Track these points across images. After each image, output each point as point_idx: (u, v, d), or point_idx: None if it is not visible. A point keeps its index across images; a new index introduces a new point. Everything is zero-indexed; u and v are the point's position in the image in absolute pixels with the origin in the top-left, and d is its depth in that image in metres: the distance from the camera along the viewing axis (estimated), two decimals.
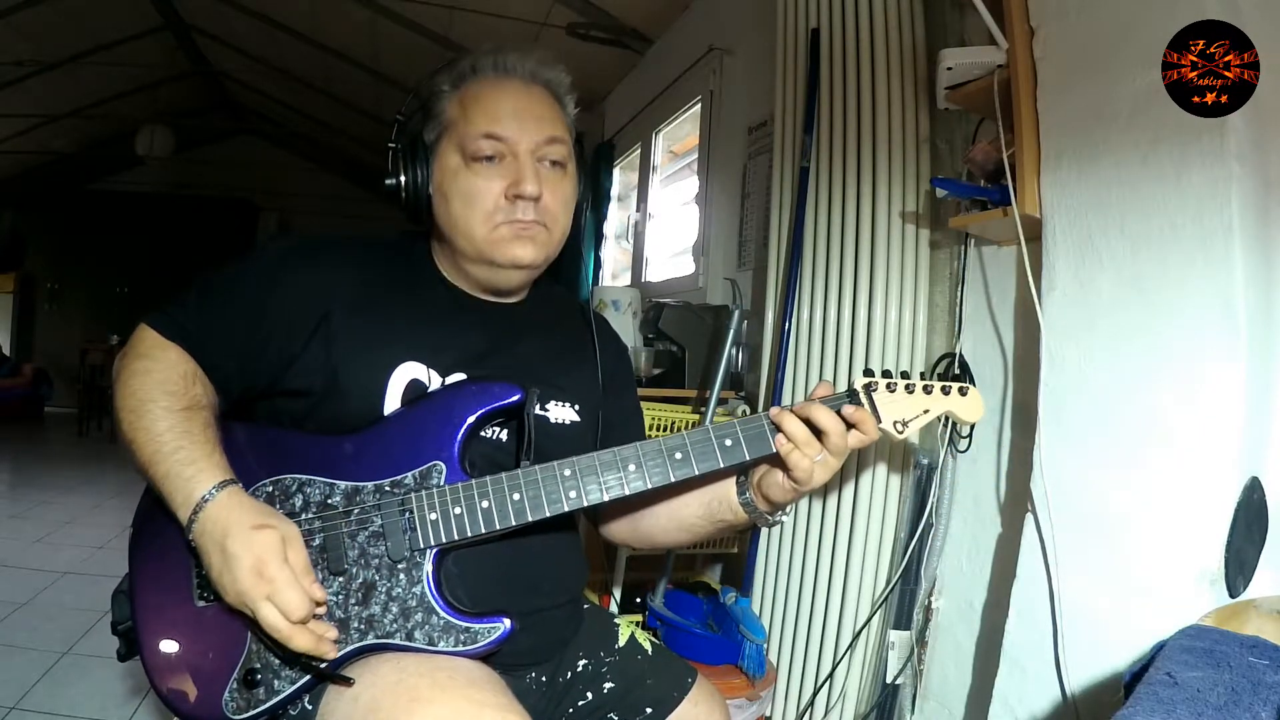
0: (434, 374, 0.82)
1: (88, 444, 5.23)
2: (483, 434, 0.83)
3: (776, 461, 0.80)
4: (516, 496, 0.76)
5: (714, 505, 0.88)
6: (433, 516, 0.75)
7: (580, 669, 0.91)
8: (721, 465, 0.79)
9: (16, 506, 3.35)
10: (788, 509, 0.87)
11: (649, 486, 0.78)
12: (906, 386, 0.84)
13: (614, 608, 1.66)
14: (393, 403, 0.80)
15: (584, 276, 3.45)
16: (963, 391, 0.86)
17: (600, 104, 3.80)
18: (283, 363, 0.80)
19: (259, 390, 0.82)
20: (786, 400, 1.58)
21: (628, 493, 0.78)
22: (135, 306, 6.50)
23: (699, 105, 2.65)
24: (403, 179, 0.83)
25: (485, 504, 0.75)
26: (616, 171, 3.55)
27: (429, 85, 0.86)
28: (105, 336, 5.69)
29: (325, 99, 5.27)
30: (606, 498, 0.77)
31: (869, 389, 0.83)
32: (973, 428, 1.31)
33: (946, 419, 0.90)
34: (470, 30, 3.44)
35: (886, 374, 0.84)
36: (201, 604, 0.74)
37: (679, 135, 3.02)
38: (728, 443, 0.78)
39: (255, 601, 0.68)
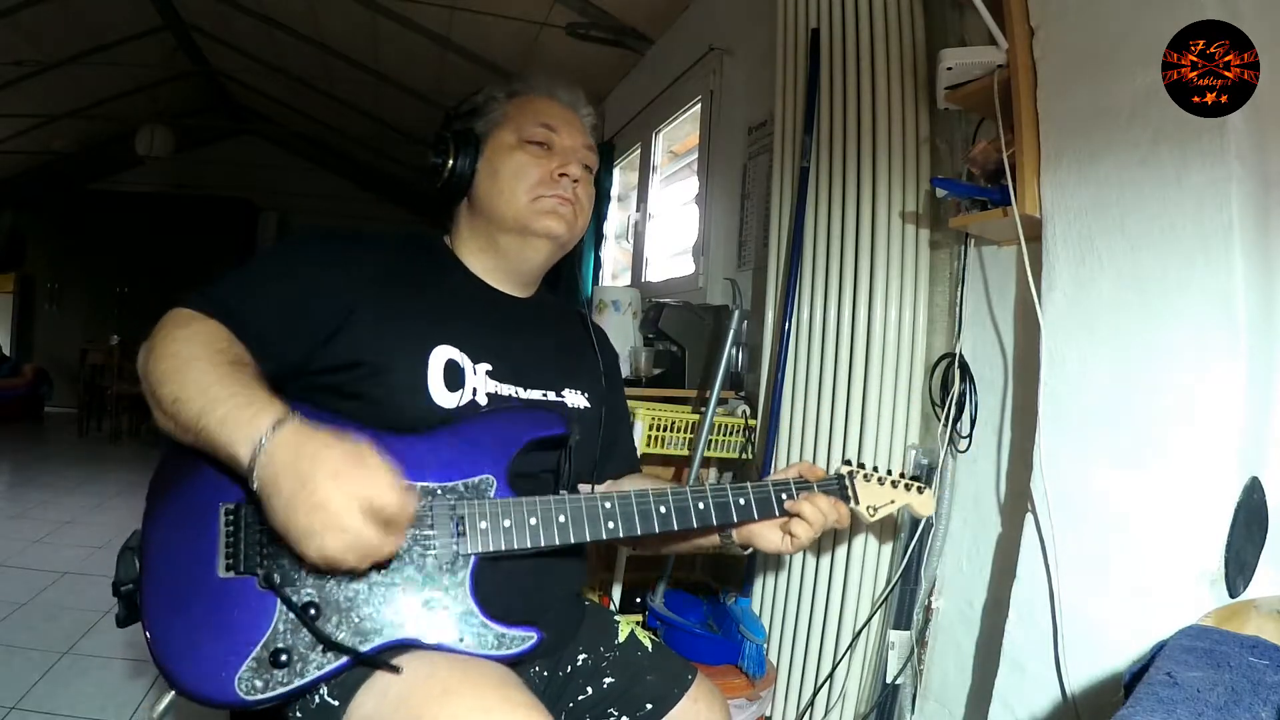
0: (466, 358, 0.87)
1: (88, 444, 5.23)
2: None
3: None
4: (562, 519, 0.82)
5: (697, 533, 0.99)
6: (483, 525, 0.78)
7: (580, 663, 0.92)
8: (735, 520, 0.92)
9: (16, 506, 3.35)
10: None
11: (675, 528, 0.88)
12: (879, 479, 1.03)
13: (614, 608, 1.66)
14: (435, 381, 0.84)
15: (584, 276, 3.45)
16: (920, 490, 1.05)
17: (600, 104, 3.80)
18: (319, 343, 0.81)
19: (297, 367, 0.82)
20: (786, 403, 1.58)
21: (656, 530, 0.87)
22: (135, 306, 6.54)
23: (699, 105, 2.65)
24: (452, 160, 0.93)
25: (533, 521, 0.81)
26: (616, 171, 3.55)
27: (484, 93, 0.99)
28: (105, 336, 5.68)
29: (325, 99, 5.27)
30: (639, 532, 0.86)
31: (851, 476, 1.01)
32: (973, 427, 1.31)
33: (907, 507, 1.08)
34: (470, 30, 3.44)
35: (862, 465, 1.03)
36: (228, 575, 0.71)
37: (679, 135, 3.02)
38: (741, 502, 0.92)
39: (356, 492, 0.65)
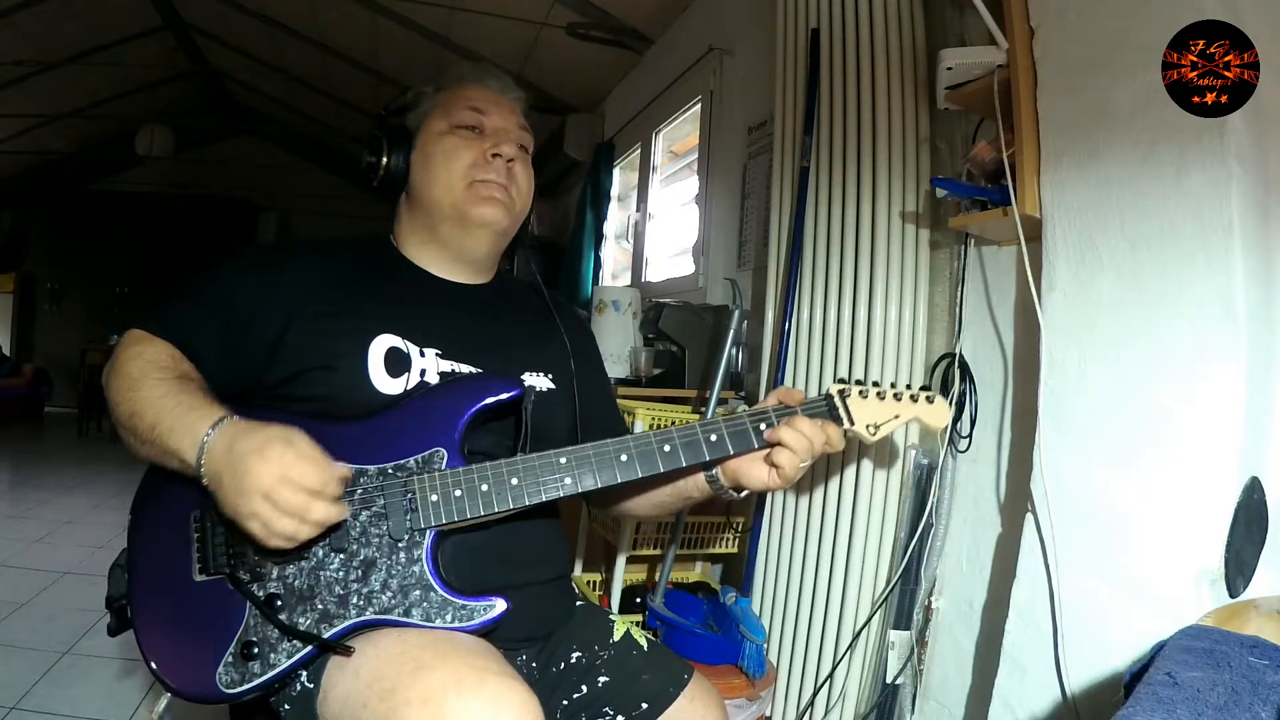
0: (411, 345, 0.87)
1: (88, 444, 5.23)
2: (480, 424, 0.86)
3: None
4: (515, 481, 0.80)
5: (681, 485, 0.96)
6: (434, 498, 0.78)
7: (574, 661, 0.92)
8: (707, 459, 0.86)
9: (16, 506, 3.35)
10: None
11: (639, 476, 0.84)
12: (878, 393, 0.90)
13: (613, 608, 1.66)
14: (377, 371, 0.84)
15: (584, 276, 3.45)
16: (929, 399, 0.91)
17: (600, 104, 3.80)
18: (261, 356, 0.84)
19: (250, 384, 0.85)
20: None
21: (619, 480, 0.83)
22: (135, 306, 6.53)
23: (699, 105, 2.65)
24: (385, 158, 0.93)
25: (485, 487, 0.79)
26: (616, 171, 3.55)
27: (413, 90, 0.99)
28: (105, 336, 5.67)
29: (325, 99, 5.27)
30: (599, 483, 0.82)
31: (842, 394, 0.90)
32: (973, 427, 1.31)
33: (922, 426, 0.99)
34: (470, 30, 3.43)
35: (859, 382, 0.91)
36: (202, 579, 0.76)
37: (679, 135, 3.02)
38: (713, 438, 0.86)
39: (269, 483, 0.69)
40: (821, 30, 1.57)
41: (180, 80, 5.54)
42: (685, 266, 2.68)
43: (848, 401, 0.90)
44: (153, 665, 0.74)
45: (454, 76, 0.99)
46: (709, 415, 1.60)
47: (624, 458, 0.83)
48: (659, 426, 1.63)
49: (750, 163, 2.19)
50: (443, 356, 0.88)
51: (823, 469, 1.48)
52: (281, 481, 0.69)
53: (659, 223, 3.09)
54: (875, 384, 0.91)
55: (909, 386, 0.92)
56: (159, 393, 0.76)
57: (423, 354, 0.87)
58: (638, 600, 1.66)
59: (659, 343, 1.95)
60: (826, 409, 0.90)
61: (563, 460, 0.82)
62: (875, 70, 1.45)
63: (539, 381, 0.96)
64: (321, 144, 6.69)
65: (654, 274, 3.04)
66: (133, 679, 1.79)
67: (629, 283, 3.21)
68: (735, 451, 0.87)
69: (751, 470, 0.89)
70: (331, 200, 7.02)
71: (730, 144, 2.35)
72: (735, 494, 0.93)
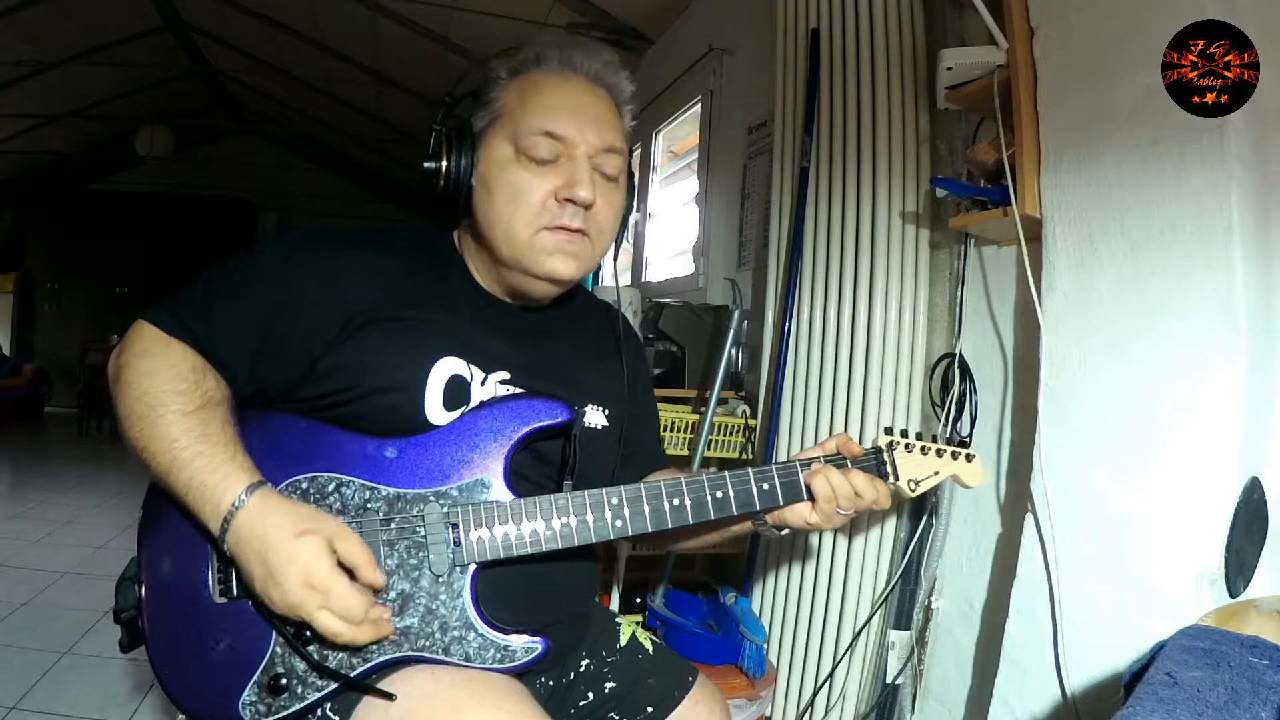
0: (475, 370, 0.79)
1: (88, 444, 5.23)
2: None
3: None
4: (563, 520, 0.77)
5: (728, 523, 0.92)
6: (479, 533, 0.74)
7: (582, 669, 0.91)
8: (758, 508, 0.84)
9: (16, 506, 3.35)
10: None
11: (690, 521, 0.81)
12: (922, 448, 0.90)
13: (615, 608, 1.66)
14: (433, 399, 0.77)
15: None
16: (969, 458, 0.92)
17: None
18: (302, 365, 0.75)
19: (276, 394, 0.77)
20: (786, 403, 1.58)
21: (670, 525, 0.80)
22: (135, 306, 6.43)
23: (699, 105, 2.65)
24: (445, 164, 0.79)
25: (533, 525, 0.76)
26: None
27: (484, 70, 0.83)
28: (105, 336, 5.68)
29: (325, 99, 5.27)
30: (650, 528, 0.79)
31: (891, 447, 0.90)
32: (973, 427, 1.31)
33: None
34: (470, 30, 3.44)
35: (904, 434, 0.90)
36: (221, 601, 0.71)
37: (679, 135, 3.01)
38: (765, 487, 0.84)
39: (310, 613, 0.66)
40: (821, 30, 1.57)
41: (180, 80, 5.54)
42: (685, 266, 2.67)
43: (895, 455, 0.89)
44: (167, 687, 0.70)
45: (532, 57, 0.81)
46: (709, 415, 1.60)
47: (676, 502, 0.80)
48: (660, 428, 1.64)
49: (750, 163, 2.19)
50: (505, 384, 0.81)
51: None
52: (321, 609, 0.66)
53: (659, 223, 3.08)
54: (919, 437, 0.91)
55: (949, 442, 0.93)
56: (175, 432, 0.68)
57: (484, 382, 0.80)
58: (638, 600, 1.67)
59: (659, 343, 1.95)
60: (876, 464, 0.88)
61: (614, 501, 0.78)
62: (875, 70, 1.45)
63: (596, 418, 0.90)
64: (321, 144, 6.69)
65: (654, 274, 3.04)
66: (133, 679, 1.79)
67: (629, 283, 3.20)
68: (785, 502, 0.85)
69: (797, 511, 0.86)
70: (331, 200, 7.03)
71: (730, 144, 2.35)
72: (777, 532, 0.90)
